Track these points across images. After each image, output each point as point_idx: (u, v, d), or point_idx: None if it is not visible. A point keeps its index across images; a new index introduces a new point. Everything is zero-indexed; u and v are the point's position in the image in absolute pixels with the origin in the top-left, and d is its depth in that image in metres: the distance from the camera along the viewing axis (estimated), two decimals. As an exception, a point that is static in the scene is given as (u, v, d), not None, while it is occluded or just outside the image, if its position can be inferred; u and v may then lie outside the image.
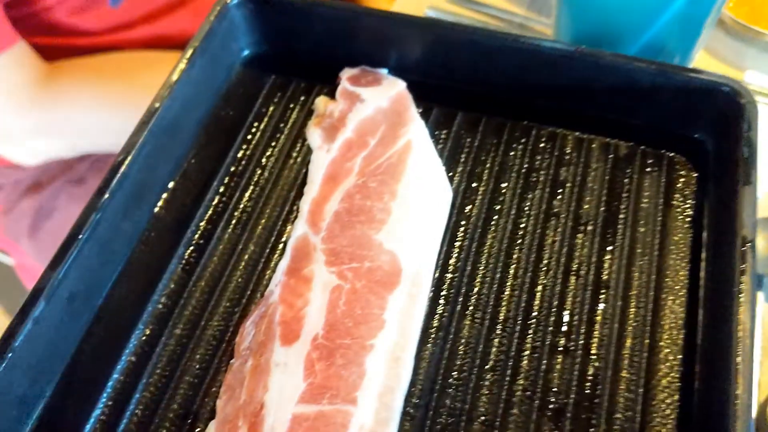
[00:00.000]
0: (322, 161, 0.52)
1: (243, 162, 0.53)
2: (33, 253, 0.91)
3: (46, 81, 0.77)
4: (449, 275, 0.47)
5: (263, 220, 0.50)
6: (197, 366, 0.44)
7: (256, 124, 0.55)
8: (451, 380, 0.43)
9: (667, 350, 0.43)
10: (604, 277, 0.46)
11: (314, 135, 0.53)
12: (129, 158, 0.47)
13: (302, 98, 0.57)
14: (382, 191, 0.50)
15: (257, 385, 0.42)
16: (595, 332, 0.44)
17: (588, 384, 0.42)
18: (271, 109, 0.56)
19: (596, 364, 0.43)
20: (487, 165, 0.52)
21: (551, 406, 0.42)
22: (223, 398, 0.42)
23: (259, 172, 0.53)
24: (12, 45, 0.73)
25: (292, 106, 0.56)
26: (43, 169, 0.87)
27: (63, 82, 0.78)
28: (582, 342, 0.44)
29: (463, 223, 0.49)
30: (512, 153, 0.53)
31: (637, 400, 0.42)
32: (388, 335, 0.43)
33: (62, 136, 0.82)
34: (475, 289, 0.46)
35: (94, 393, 0.43)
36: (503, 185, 0.51)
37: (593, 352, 0.44)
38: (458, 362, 0.44)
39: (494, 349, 0.44)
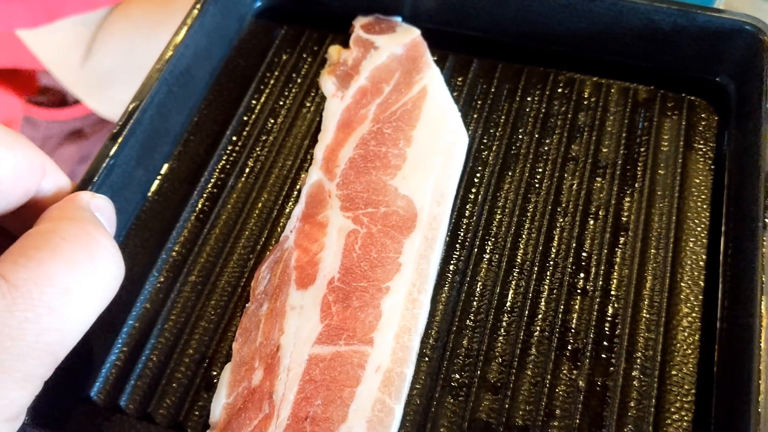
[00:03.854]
0: (336, 108, 0.51)
1: (256, 111, 0.53)
2: None
3: None
4: (465, 220, 0.46)
5: (277, 169, 0.50)
6: (212, 312, 0.44)
7: (268, 74, 0.55)
8: (468, 322, 0.42)
9: (688, 291, 0.43)
10: (624, 220, 0.46)
11: (328, 83, 0.53)
12: (142, 105, 0.47)
13: (315, 48, 0.56)
14: (397, 137, 0.49)
15: (273, 328, 0.42)
16: (614, 273, 0.44)
17: (607, 324, 0.42)
18: (284, 58, 0.55)
19: (615, 304, 0.42)
20: (504, 110, 0.51)
21: (569, 347, 0.41)
22: (239, 341, 0.42)
23: (272, 121, 0.52)
24: None
25: (305, 56, 0.56)
26: (85, 118, 0.86)
27: None
28: (601, 283, 0.43)
29: (479, 168, 0.49)
30: (529, 98, 0.52)
31: (657, 340, 0.41)
32: (404, 278, 0.43)
33: None
34: (492, 233, 0.46)
35: (110, 339, 0.43)
36: (520, 131, 0.50)
37: (612, 292, 0.43)
38: (475, 304, 0.43)
39: (511, 292, 0.43)
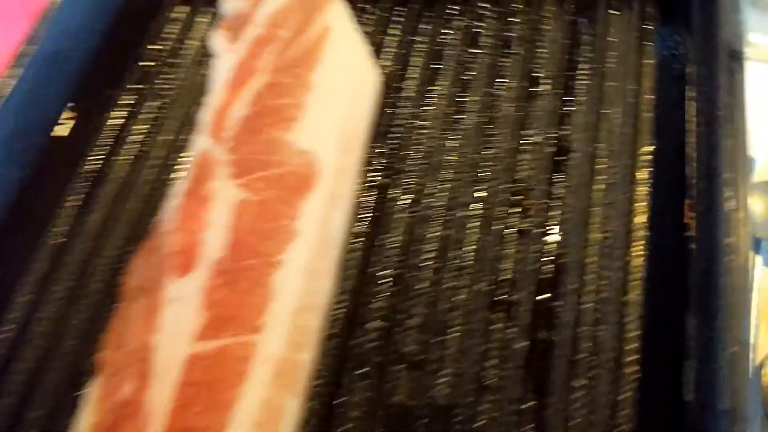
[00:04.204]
0: (227, 65, 0.44)
1: (144, 83, 0.46)
2: None
3: None
4: (379, 169, 0.39)
5: (160, 148, 0.43)
6: (83, 319, 0.37)
7: (158, 42, 0.48)
8: (380, 288, 0.35)
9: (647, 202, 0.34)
10: (567, 141, 0.37)
11: (217, 38, 0.45)
12: (9, 91, 0.41)
13: (210, 9, 0.49)
14: (295, 85, 0.41)
15: (147, 328, 0.35)
16: (557, 204, 0.35)
17: (550, 266, 0.34)
18: (175, 27, 0.48)
19: (559, 240, 0.34)
20: (423, 41, 0.43)
21: (504, 301, 0.33)
22: (108, 349, 0.35)
23: (162, 91, 0.45)
24: None
25: (198, 19, 0.48)
26: None
27: None
28: (541, 219, 0.35)
29: (394, 104, 0.41)
30: (451, 23, 0.44)
31: (613, 276, 0.33)
32: (301, 247, 0.35)
33: None
34: (411, 180, 0.38)
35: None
36: (442, 59, 0.42)
37: (555, 227, 0.35)
38: (388, 266, 0.35)
39: (430, 245, 0.35)
